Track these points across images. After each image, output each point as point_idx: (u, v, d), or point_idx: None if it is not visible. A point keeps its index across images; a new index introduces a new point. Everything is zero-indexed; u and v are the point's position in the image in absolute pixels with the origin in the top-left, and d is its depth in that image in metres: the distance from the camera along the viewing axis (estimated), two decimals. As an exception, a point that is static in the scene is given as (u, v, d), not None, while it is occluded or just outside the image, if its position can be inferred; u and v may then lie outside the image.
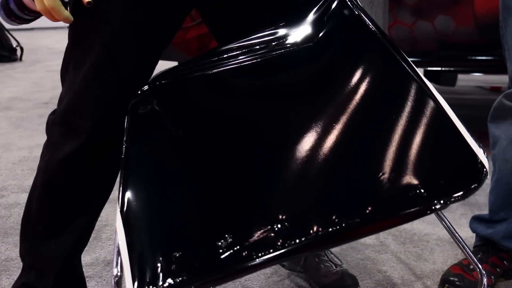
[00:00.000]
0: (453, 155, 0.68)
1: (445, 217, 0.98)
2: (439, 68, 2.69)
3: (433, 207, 0.62)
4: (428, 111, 0.73)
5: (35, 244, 1.05)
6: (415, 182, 0.65)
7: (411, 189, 0.64)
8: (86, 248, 1.49)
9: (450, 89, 3.50)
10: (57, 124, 0.98)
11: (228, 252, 0.61)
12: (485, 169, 0.64)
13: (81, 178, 0.99)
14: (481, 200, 1.83)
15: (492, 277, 1.29)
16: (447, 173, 0.67)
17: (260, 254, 0.61)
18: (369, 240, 1.58)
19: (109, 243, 1.56)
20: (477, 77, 4.46)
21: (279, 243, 0.61)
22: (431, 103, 0.73)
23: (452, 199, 0.62)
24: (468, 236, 1.47)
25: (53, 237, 1.03)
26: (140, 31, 0.93)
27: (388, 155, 0.69)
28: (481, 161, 0.65)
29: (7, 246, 1.53)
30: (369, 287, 1.34)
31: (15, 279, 1.11)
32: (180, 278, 0.60)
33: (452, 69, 2.74)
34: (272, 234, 0.63)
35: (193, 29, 2.35)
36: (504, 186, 1.26)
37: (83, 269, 1.18)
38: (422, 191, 0.64)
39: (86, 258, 1.46)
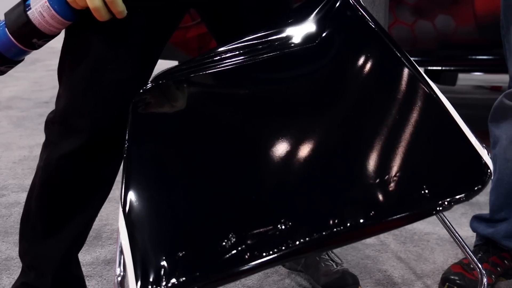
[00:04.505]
0: (457, 156, 0.68)
1: (445, 217, 0.98)
2: (440, 68, 2.69)
3: (437, 209, 0.62)
4: (431, 112, 0.73)
5: (34, 243, 1.05)
6: (419, 183, 0.65)
7: (415, 190, 0.64)
8: (86, 248, 1.49)
9: (450, 89, 3.51)
10: (56, 123, 0.98)
11: (232, 252, 0.61)
12: (489, 170, 0.64)
13: (79, 176, 0.99)
14: (481, 199, 1.84)
15: (493, 276, 1.30)
16: (450, 174, 0.66)
17: (264, 254, 0.61)
18: (370, 239, 1.58)
19: (109, 242, 1.56)
20: (477, 77, 4.46)
21: (283, 244, 0.61)
22: (435, 104, 0.73)
23: (456, 201, 0.62)
24: (468, 235, 1.47)
25: (51, 236, 1.03)
26: (137, 31, 0.92)
27: (391, 156, 0.69)
28: (485, 162, 0.65)
29: (7, 245, 1.53)
30: (370, 286, 1.34)
31: (16, 278, 1.11)
32: (183, 278, 0.60)
33: (452, 68, 2.74)
34: (276, 234, 0.62)
35: (193, 28, 2.35)
36: (505, 185, 1.26)
37: (84, 269, 1.18)
38: (426, 192, 0.64)
39: (86, 257, 1.46)
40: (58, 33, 0.89)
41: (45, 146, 1.01)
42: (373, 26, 0.85)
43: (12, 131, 2.79)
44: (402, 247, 1.55)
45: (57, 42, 0.96)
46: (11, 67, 0.91)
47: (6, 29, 0.86)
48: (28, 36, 0.86)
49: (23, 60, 0.92)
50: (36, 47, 0.89)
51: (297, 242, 0.61)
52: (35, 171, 1.03)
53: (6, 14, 0.87)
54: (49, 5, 0.84)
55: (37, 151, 1.04)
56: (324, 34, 0.89)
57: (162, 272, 0.61)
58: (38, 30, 0.85)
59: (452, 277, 1.28)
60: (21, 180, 2.06)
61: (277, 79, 0.89)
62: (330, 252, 1.33)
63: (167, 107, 0.90)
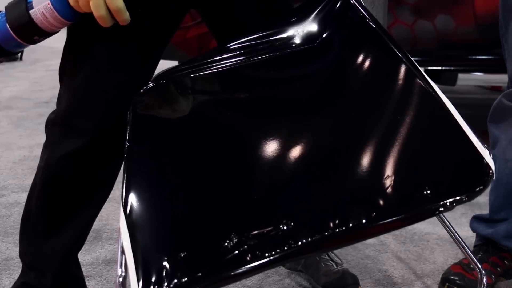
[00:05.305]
0: (459, 157, 0.68)
1: (445, 217, 0.98)
2: (440, 68, 2.69)
3: (439, 209, 0.62)
4: (433, 112, 0.73)
5: (34, 243, 1.05)
6: (420, 184, 0.65)
7: (416, 191, 0.64)
8: (86, 248, 1.49)
9: (450, 89, 3.51)
10: (57, 124, 0.98)
11: (234, 253, 0.61)
12: (491, 171, 0.64)
13: (80, 176, 0.99)
14: (481, 199, 1.83)
15: (493, 276, 1.30)
16: (452, 175, 0.66)
17: (266, 255, 0.61)
18: (370, 239, 1.58)
19: (110, 242, 1.56)
20: (477, 77, 4.47)
21: (284, 244, 0.61)
22: (436, 104, 0.73)
23: (458, 201, 0.62)
24: (468, 235, 1.47)
25: (52, 236, 1.03)
26: (137, 31, 0.93)
27: (393, 157, 0.69)
28: (487, 162, 0.65)
29: (7, 245, 1.53)
30: (370, 286, 1.34)
31: (16, 278, 1.11)
32: (185, 279, 0.60)
33: (452, 68, 2.74)
34: (278, 235, 0.62)
35: (193, 28, 2.35)
36: (504, 185, 1.27)
37: (84, 269, 1.18)
38: (427, 192, 0.64)
39: (86, 257, 1.46)
40: (59, 30, 0.90)
41: (46, 146, 1.01)
42: (374, 26, 0.85)
43: (12, 131, 2.79)
44: (402, 247, 1.55)
45: (58, 42, 0.96)
46: (10, 57, 0.93)
47: (7, 24, 0.86)
48: (30, 33, 0.87)
49: (22, 51, 0.93)
50: (37, 42, 0.89)
51: (299, 243, 0.61)
52: (36, 171, 1.03)
53: (6, 8, 0.87)
54: (52, 7, 0.84)
55: (37, 151, 1.04)
56: (325, 35, 0.89)
57: (164, 272, 0.61)
58: (40, 29, 0.86)
59: (452, 277, 1.28)
60: (21, 180, 2.06)
61: (277, 79, 0.89)
62: (330, 252, 1.34)
63: (167, 107, 0.90)
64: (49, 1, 0.84)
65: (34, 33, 0.86)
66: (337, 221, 0.63)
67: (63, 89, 0.97)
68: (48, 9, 0.84)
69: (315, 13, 0.92)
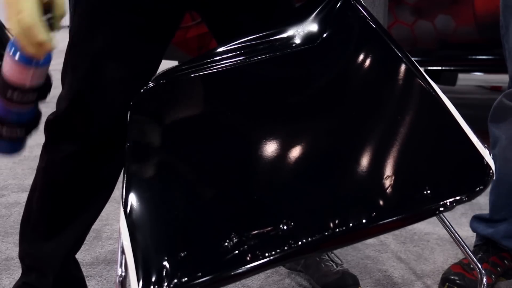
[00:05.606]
0: (459, 157, 0.68)
1: (445, 217, 0.98)
2: (440, 68, 2.69)
3: (439, 209, 0.62)
4: (433, 113, 0.73)
5: (35, 244, 1.05)
6: (421, 184, 0.65)
7: (417, 191, 0.64)
8: (86, 248, 1.49)
9: (450, 89, 3.51)
10: (58, 125, 0.98)
11: (234, 253, 0.61)
12: (491, 171, 0.64)
13: (82, 177, 0.99)
14: (481, 199, 1.83)
15: (493, 276, 1.30)
16: (452, 175, 0.67)
17: (266, 255, 0.61)
18: (370, 239, 1.58)
19: (110, 242, 1.56)
20: (477, 77, 4.47)
21: (285, 244, 0.61)
22: (436, 104, 0.73)
23: (458, 201, 0.62)
24: (468, 235, 1.47)
25: (53, 238, 1.03)
26: (138, 32, 0.93)
27: (394, 157, 0.69)
28: (487, 162, 0.65)
29: (7, 245, 1.53)
30: (370, 286, 1.34)
31: (16, 278, 1.11)
32: (185, 279, 0.60)
33: (452, 68, 2.75)
34: (278, 235, 0.63)
35: (193, 28, 2.35)
36: (505, 185, 1.27)
37: (84, 269, 1.18)
38: (428, 192, 0.64)
39: (86, 257, 1.46)
40: (31, 84, 0.81)
41: (46, 147, 1.01)
42: (375, 26, 0.85)
43: (12, 131, 2.78)
44: (402, 247, 1.55)
45: (58, 42, 0.96)
46: (15, 131, 0.86)
47: None
48: (3, 87, 0.80)
49: (31, 124, 0.87)
50: (14, 100, 0.81)
51: (299, 243, 0.61)
52: (36, 173, 1.03)
53: None
54: (8, 50, 0.77)
55: (37, 151, 1.03)
56: (325, 35, 0.89)
57: (164, 272, 0.61)
58: (6, 80, 0.79)
59: (452, 277, 1.28)
60: (21, 180, 2.06)
61: (278, 79, 0.89)
62: (330, 252, 1.34)
63: (167, 107, 0.90)
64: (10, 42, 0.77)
65: (5, 86, 0.79)
66: (337, 221, 0.63)
67: (65, 91, 0.97)
68: (6, 53, 0.77)
69: (315, 13, 0.92)
